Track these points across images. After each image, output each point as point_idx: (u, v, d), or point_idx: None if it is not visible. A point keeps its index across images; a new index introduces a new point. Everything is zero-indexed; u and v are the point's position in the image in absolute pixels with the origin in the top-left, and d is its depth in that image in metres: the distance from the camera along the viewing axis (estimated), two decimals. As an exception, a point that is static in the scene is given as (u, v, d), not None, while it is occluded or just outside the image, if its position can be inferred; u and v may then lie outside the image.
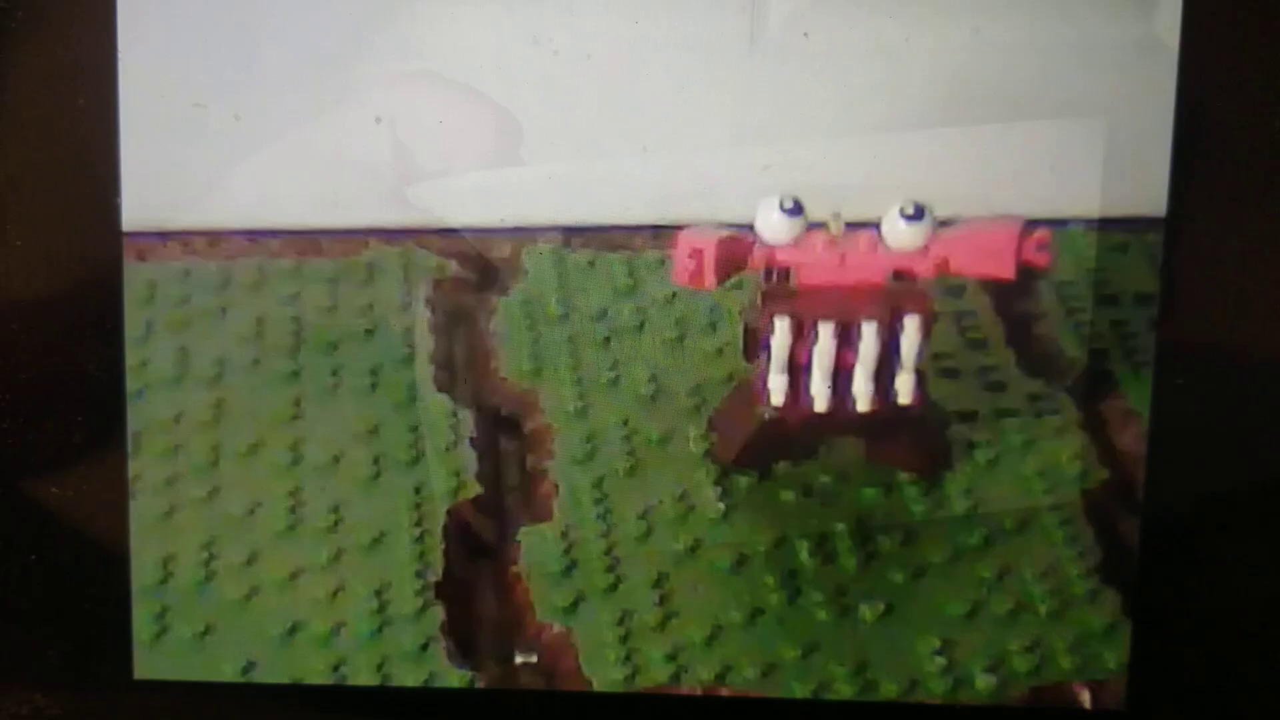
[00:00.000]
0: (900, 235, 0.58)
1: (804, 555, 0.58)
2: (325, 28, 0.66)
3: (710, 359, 0.64)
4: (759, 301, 0.59)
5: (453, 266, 0.68)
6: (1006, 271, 0.59)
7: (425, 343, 0.65)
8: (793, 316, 0.58)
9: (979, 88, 0.66)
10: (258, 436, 0.62)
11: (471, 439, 0.62)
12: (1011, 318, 0.66)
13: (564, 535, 0.59)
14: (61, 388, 0.59)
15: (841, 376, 0.59)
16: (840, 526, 0.59)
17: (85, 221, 0.60)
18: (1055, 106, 0.66)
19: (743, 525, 0.59)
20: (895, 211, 0.58)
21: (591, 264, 0.68)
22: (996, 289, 0.66)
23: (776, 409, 0.59)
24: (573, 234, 0.69)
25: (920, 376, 0.59)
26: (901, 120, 0.66)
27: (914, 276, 0.58)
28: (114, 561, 0.58)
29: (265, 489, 0.61)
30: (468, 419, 0.63)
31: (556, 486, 0.60)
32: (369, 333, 0.66)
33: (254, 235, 0.68)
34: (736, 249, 0.58)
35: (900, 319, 0.58)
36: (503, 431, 0.64)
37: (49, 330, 0.59)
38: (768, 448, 0.60)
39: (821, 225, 0.59)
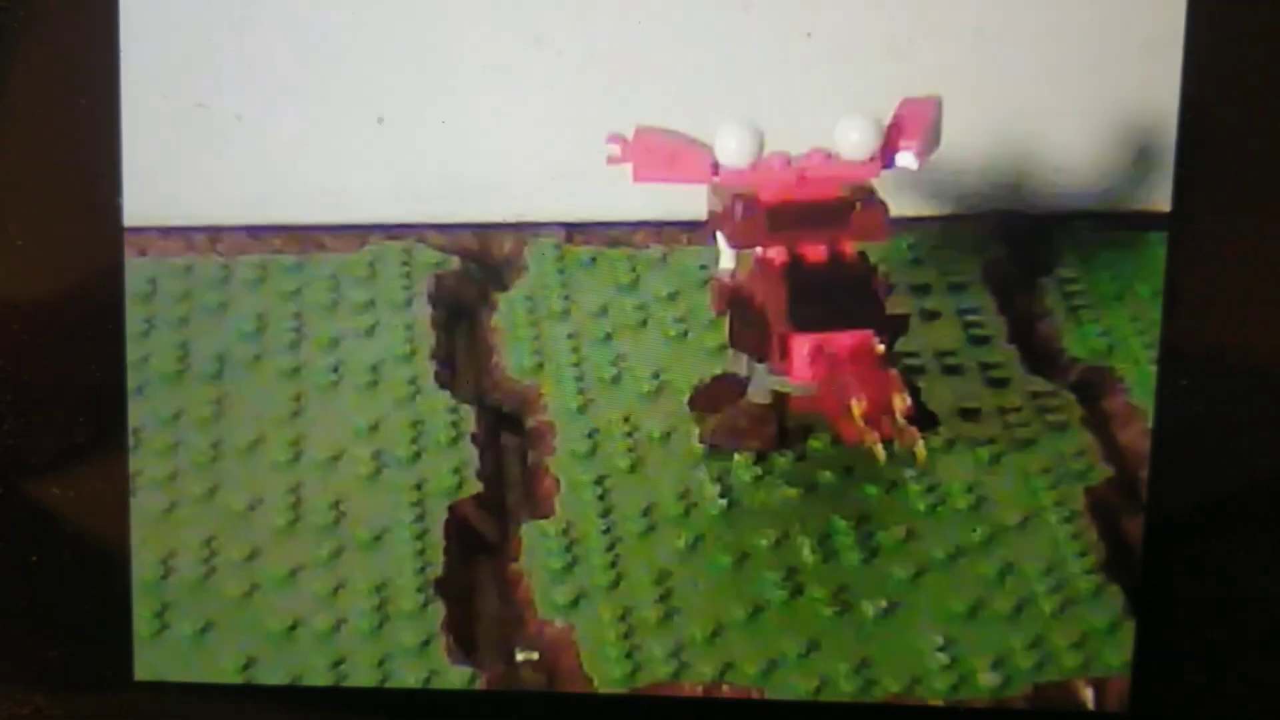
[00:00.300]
0: (852, 146, 0.59)
1: (806, 552, 0.58)
2: (327, 28, 0.66)
3: (712, 356, 0.64)
4: (728, 234, 0.59)
5: (454, 263, 0.68)
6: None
7: (426, 339, 0.65)
8: (765, 244, 0.59)
9: (982, 87, 0.66)
10: (258, 433, 0.62)
11: (473, 435, 0.62)
12: (1014, 315, 0.66)
13: (565, 532, 0.59)
14: (62, 384, 0.59)
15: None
16: (842, 523, 0.59)
17: (87, 220, 0.60)
18: (1059, 106, 0.66)
19: (744, 522, 0.59)
20: (845, 123, 0.59)
21: (593, 260, 0.68)
22: (1000, 289, 0.66)
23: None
24: (574, 230, 0.69)
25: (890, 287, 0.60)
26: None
27: (868, 179, 0.59)
28: (115, 562, 0.58)
29: (266, 485, 0.61)
30: (469, 415, 0.63)
31: (558, 483, 0.60)
32: (370, 329, 0.65)
33: (255, 231, 0.68)
34: (683, 156, 0.59)
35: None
36: (504, 428, 0.64)
37: (50, 328, 0.59)
38: (747, 429, 0.61)
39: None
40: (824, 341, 0.58)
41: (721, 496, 0.59)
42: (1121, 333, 0.64)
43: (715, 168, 0.59)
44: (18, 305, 0.59)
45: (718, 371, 0.63)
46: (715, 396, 0.62)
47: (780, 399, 0.61)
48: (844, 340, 0.58)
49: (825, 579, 0.57)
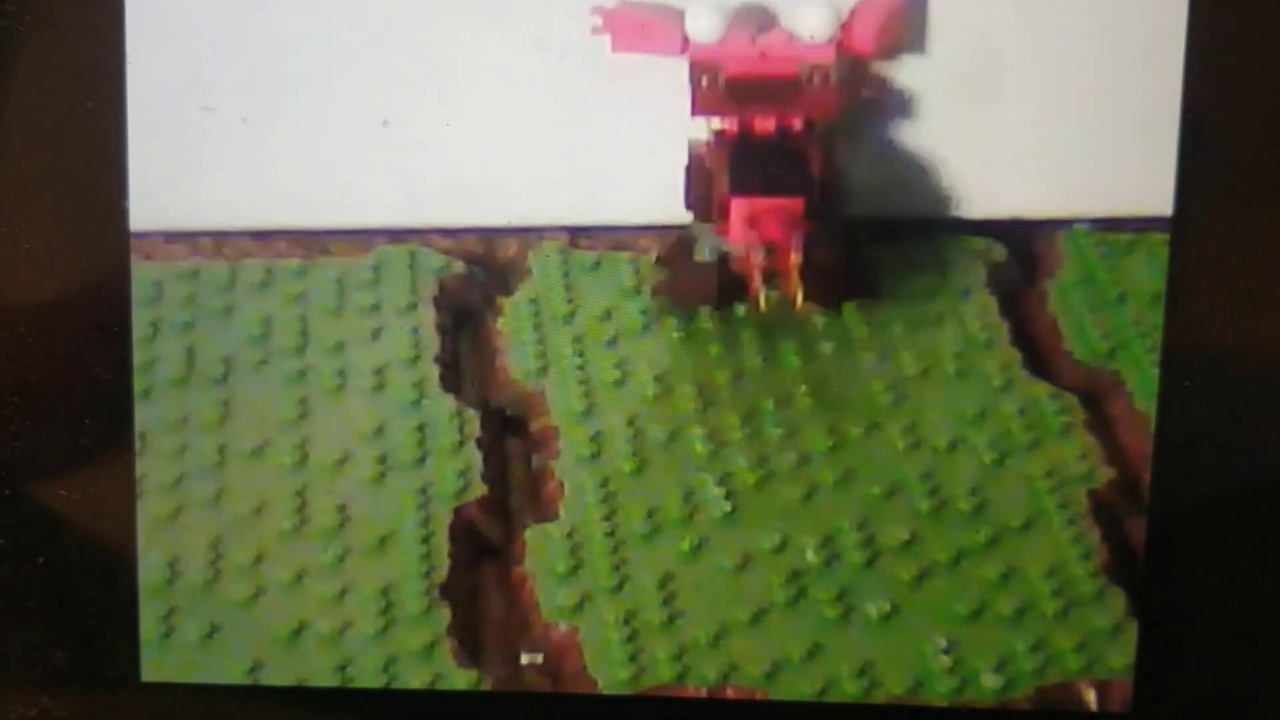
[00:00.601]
0: (810, 28, 0.63)
1: (809, 554, 0.58)
2: (332, 31, 0.66)
3: (716, 361, 0.64)
4: (693, 100, 0.63)
5: (458, 266, 0.68)
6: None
7: (431, 343, 0.65)
8: (722, 113, 0.63)
9: (984, 88, 0.66)
10: (264, 437, 0.62)
11: (477, 439, 0.62)
12: (1017, 318, 0.66)
13: (569, 535, 0.59)
14: (69, 389, 0.59)
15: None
16: (845, 525, 0.59)
17: (93, 224, 0.60)
18: (1061, 107, 0.66)
19: (748, 524, 0.59)
20: (804, 8, 0.63)
21: (597, 264, 0.68)
22: (1002, 291, 0.66)
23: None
24: (579, 234, 0.69)
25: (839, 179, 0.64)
26: (908, 121, 0.67)
27: (826, 61, 0.63)
28: (121, 563, 0.59)
29: (271, 489, 0.61)
30: (473, 419, 0.63)
31: (562, 486, 0.60)
32: (375, 333, 0.66)
33: (261, 235, 0.69)
34: (656, 29, 0.64)
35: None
36: (508, 431, 0.64)
37: (56, 331, 0.59)
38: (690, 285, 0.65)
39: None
40: (755, 204, 0.63)
41: (725, 499, 0.60)
42: (1123, 335, 0.64)
43: (685, 43, 0.64)
44: (24, 308, 0.59)
45: (720, 377, 0.64)
46: (674, 254, 0.66)
47: (723, 259, 0.64)
48: (773, 204, 0.63)
49: (828, 581, 0.58)
